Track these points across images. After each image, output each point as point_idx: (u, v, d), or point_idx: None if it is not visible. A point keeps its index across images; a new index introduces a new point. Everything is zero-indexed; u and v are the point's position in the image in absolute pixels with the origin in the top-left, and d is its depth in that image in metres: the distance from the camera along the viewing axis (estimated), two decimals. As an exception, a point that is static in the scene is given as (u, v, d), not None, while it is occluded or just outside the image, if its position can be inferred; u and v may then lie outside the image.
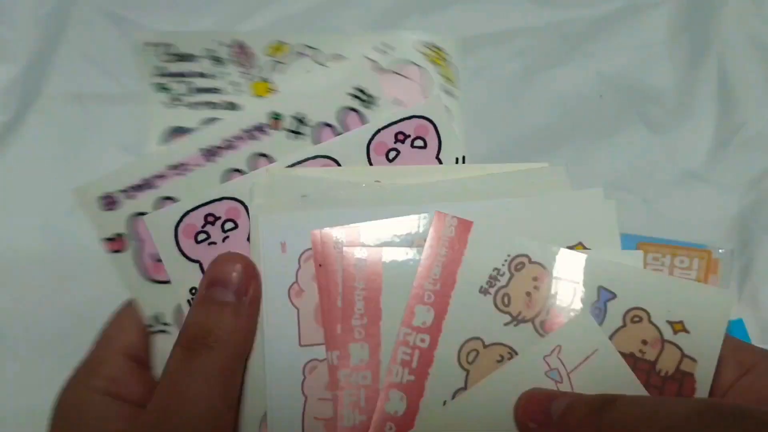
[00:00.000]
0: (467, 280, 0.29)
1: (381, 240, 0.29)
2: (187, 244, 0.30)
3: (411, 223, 0.29)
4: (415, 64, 0.32)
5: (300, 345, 0.29)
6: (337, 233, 0.29)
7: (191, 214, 0.30)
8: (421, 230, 0.29)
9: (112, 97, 0.58)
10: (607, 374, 0.28)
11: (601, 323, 0.28)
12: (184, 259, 0.30)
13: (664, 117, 0.52)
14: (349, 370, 0.28)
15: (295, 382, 0.29)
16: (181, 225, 0.30)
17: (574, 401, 0.27)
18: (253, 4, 0.61)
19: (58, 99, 0.57)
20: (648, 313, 0.28)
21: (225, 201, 0.30)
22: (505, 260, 0.29)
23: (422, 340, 0.28)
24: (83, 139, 0.56)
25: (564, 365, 0.28)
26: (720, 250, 0.46)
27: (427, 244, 0.29)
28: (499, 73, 0.56)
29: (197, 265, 0.30)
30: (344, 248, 0.29)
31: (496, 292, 0.29)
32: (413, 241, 0.30)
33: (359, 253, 0.29)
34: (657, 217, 0.50)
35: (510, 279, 0.29)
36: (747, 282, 0.50)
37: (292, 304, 0.29)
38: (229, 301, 0.28)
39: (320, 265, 0.29)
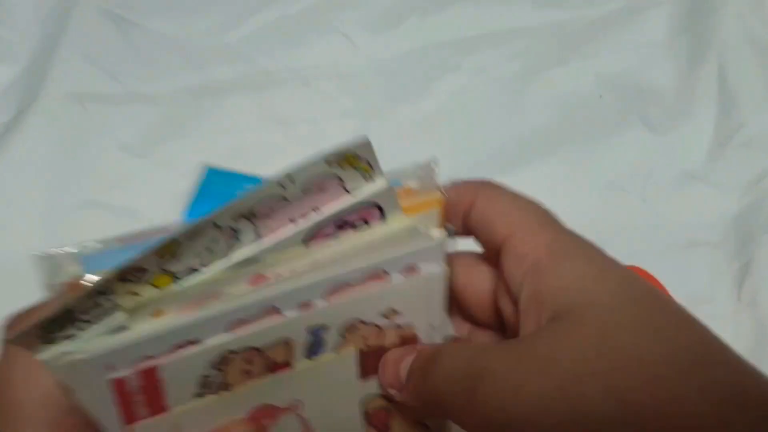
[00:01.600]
0: None
1: None
2: None
3: None
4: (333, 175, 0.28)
5: None
6: None
7: None
8: None
9: (113, 97, 0.58)
10: None
11: (319, 352, 0.27)
12: None
13: (664, 117, 0.52)
14: None
15: None
16: None
17: (415, 359, 0.27)
18: (253, 5, 0.61)
19: (59, 99, 0.57)
20: (363, 321, 0.28)
21: None
22: None
23: None
24: (83, 140, 0.56)
25: None
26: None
27: None
28: (498, 73, 0.56)
29: None
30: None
31: None
32: None
33: None
34: (656, 218, 0.50)
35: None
36: (746, 282, 0.50)
37: None
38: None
39: None
